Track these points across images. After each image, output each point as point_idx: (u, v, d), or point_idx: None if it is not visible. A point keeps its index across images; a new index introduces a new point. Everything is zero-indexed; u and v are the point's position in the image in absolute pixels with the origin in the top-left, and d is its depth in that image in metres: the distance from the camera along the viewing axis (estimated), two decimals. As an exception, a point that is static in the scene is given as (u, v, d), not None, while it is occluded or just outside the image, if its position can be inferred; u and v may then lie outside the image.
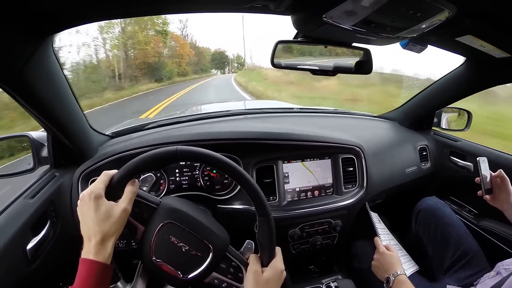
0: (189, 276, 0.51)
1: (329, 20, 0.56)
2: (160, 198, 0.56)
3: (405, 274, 0.71)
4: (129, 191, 0.48)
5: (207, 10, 0.59)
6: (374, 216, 0.95)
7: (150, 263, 0.52)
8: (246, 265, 0.54)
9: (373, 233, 0.88)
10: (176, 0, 0.53)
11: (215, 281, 0.54)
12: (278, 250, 0.56)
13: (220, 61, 59.37)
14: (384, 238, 0.90)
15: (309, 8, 0.56)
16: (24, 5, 0.44)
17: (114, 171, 0.50)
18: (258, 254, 0.54)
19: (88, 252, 0.44)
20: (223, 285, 0.54)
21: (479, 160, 0.81)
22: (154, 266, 0.51)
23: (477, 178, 0.80)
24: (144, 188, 0.56)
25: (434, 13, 0.54)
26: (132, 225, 0.52)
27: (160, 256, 0.51)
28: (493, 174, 0.79)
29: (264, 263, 0.53)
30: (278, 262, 0.54)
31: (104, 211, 0.45)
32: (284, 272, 0.54)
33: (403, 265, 0.78)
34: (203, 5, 0.57)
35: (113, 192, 0.48)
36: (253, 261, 0.53)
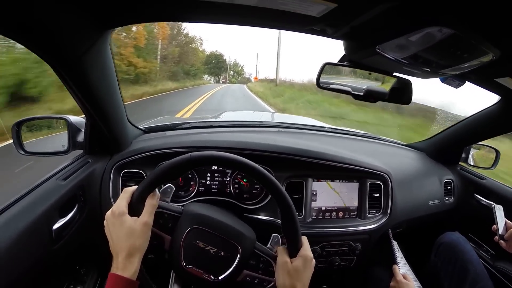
0: (220, 278, 0.56)
1: (381, 51, 0.63)
2: (182, 205, 0.61)
3: None
4: (149, 204, 0.53)
5: (268, 26, 0.67)
6: (395, 244, 0.99)
7: (181, 270, 0.56)
8: (275, 258, 0.57)
9: (392, 260, 0.92)
10: (240, 13, 0.59)
11: (247, 278, 0.58)
12: (304, 239, 0.59)
13: (216, 65, 50.28)
14: (402, 267, 0.92)
15: (364, 38, 0.63)
16: None
17: (134, 187, 0.55)
18: (285, 246, 0.57)
19: (116, 267, 0.49)
20: (255, 281, 0.58)
21: (494, 207, 0.91)
22: (186, 272, 0.56)
23: (493, 226, 0.89)
24: (166, 199, 0.61)
25: (479, 55, 0.60)
26: (159, 237, 0.57)
27: (190, 262, 0.56)
28: (508, 222, 0.88)
29: (292, 253, 0.56)
30: (306, 250, 0.57)
31: (127, 226, 0.50)
32: (314, 260, 0.57)
33: None
34: (266, 21, 0.64)
35: (135, 207, 0.53)
36: (281, 253, 0.57)
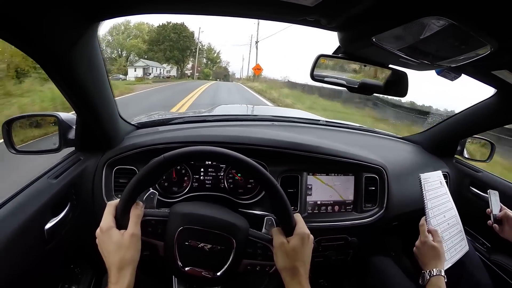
0: (220, 272, 0.55)
1: (377, 42, 0.61)
2: (168, 208, 0.60)
3: (443, 275, 0.71)
4: (133, 215, 0.53)
5: (261, 17, 0.65)
6: (436, 177, 0.92)
7: (180, 273, 0.55)
8: (271, 241, 0.56)
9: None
10: (232, 3, 0.57)
11: (248, 267, 0.57)
12: (297, 216, 0.58)
13: (174, 45, 27.03)
14: (438, 212, 0.86)
15: (359, 28, 0.61)
16: None
17: (117, 201, 0.54)
18: (280, 227, 0.56)
19: (110, 281, 0.49)
20: (257, 268, 0.57)
21: (489, 192, 0.90)
22: (186, 274, 0.55)
23: (487, 209, 0.88)
24: (152, 206, 0.60)
25: (477, 47, 0.58)
26: (152, 244, 0.56)
27: (188, 263, 0.55)
28: (503, 207, 0.87)
29: (288, 233, 0.55)
30: (301, 228, 0.56)
31: (115, 240, 0.50)
32: (311, 236, 0.56)
33: (450, 250, 0.80)
34: (258, 12, 0.62)
35: (120, 220, 0.53)
36: (276, 234, 0.55)
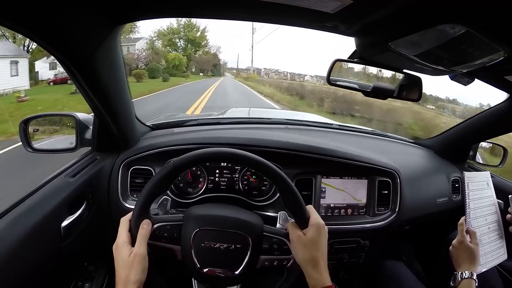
0: (238, 271, 0.57)
1: (394, 48, 0.65)
2: (182, 214, 0.62)
3: (475, 279, 0.72)
4: (139, 234, 0.54)
5: (281, 23, 0.69)
6: (483, 177, 0.90)
7: (200, 275, 0.58)
8: (286, 236, 0.59)
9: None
10: (254, 9, 0.59)
11: (266, 263, 0.59)
12: (310, 208, 0.60)
13: None
14: (480, 214, 0.85)
15: (377, 35, 0.64)
16: None
17: (130, 215, 0.56)
18: (294, 220, 0.59)
19: None
20: (275, 263, 0.59)
21: (510, 197, 0.90)
22: (205, 275, 0.58)
23: (508, 216, 0.88)
24: (165, 211, 0.63)
25: (491, 53, 0.62)
26: (169, 250, 0.58)
27: (206, 264, 0.57)
28: None
29: (302, 226, 0.57)
30: (315, 219, 0.58)
31: (121, 258, 0.52)
32: (326, 227, 0.59)
33: (485, 255, 0.80)
34: (279, 17, 0.65)
35: (134, 235, 0.55)
36: (291, 228, 0.58)
